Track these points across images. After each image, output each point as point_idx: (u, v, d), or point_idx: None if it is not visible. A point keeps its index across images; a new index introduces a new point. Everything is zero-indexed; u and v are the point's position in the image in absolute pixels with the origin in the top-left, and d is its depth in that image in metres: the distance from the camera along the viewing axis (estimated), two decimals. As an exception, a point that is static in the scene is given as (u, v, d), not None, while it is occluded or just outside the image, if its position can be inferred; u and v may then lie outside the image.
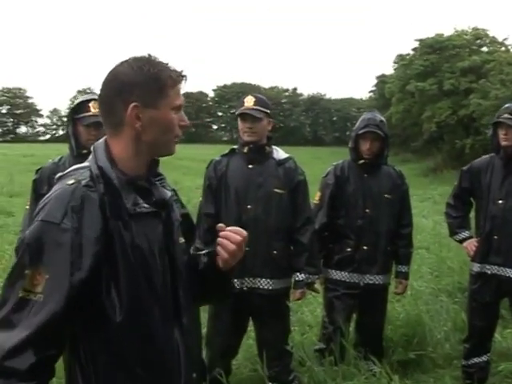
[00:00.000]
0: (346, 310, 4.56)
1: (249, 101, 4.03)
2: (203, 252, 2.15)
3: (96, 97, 3.67)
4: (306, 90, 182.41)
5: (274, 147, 4.18)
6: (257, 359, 4.39)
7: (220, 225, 2.04)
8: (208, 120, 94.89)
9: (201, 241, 4.08)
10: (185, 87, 1.90)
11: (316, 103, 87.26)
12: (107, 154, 1.84)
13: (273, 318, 4.06)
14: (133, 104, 1.77)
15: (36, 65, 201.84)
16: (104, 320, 1.72)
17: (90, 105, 3.74)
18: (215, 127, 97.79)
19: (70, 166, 3.74)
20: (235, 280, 3.99)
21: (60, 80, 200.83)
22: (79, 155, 3.69)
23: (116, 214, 1.75)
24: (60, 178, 1.85)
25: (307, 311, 5.95)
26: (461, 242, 4.73)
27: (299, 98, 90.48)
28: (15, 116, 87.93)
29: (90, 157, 1.87)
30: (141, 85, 1.78)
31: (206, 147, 44.91)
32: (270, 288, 4.01)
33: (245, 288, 4.00)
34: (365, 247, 4.51)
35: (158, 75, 1.80)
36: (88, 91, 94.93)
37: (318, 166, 14.54)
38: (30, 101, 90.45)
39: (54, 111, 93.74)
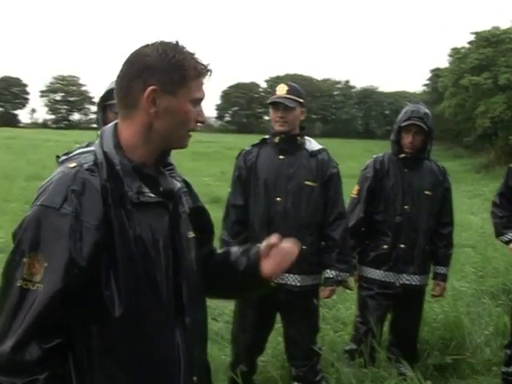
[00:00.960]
0: (379, 310, 4.37)
1: (281, 89, 3.88)
2: (241, 250, 2.08)
3: None
4: (359, 82, 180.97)
5: (307, 138, 4.01)
6: (285, 357, 4.25)
7: (274, 239, 1.97)
8: (260, 111, 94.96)
9: (227, 232, 3.97)
10: (207, 82, 1.81)
11: (368, 96, 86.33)
12: (114, 138, 1.75)
13: (300, 316, 3.91)
14: (152, 87, 1.69)
15: (90, 53, 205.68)
16: (102, 313, 1.63)
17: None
18: (267, 118, 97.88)
19: None
20: None
21: (113, 68, 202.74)
22: None
23: (118, 202, 1.66)
24: (64, 161, 1.76)
25: (343, 308, 5.79)
26: (507, 243, 4.50)
27: (352, 91, 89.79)
28: (69, 103, 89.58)
29: (97, 141, 1.78)
30: (163, 70, 1.70)
31: (257, 137, 44.92)
32: (298, 284, 3.85)
33: (272, 283, 3.85)
34: (402, 245, 4.31)
35: (182, 63, 1.71)
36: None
37: (368, 160, 14.34)
38: (83, 88, 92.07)
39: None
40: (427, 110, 4.33)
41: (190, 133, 1.82)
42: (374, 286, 4.38)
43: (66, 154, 1.84)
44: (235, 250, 2.09)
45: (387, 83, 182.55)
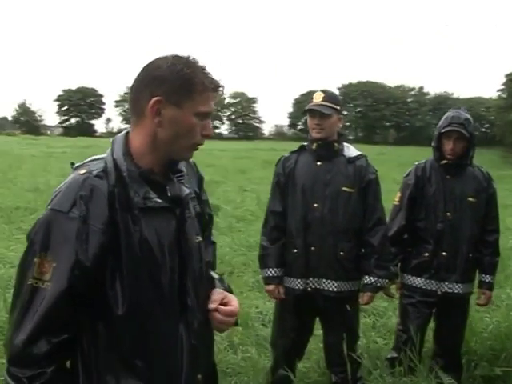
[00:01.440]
0: (420, 318, 4.30)
1: (317, 96, 3.90)
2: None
3: None
4: (433, 88, 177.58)
5: (345, 144, 4.02)
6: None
7: (210, 306, 1.99)
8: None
9: (266, 238, 4.01)
10: (219, 97, 1.89)
11: (443, 102, 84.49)
12: (125, 146, 1.84)
13: (338, 322, 3.90)
14: (157, 98, 1.78)
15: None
16: (107, 312, 1.73)
17: None
18: (341, 126, 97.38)
19: None
20: (299, 280, 3.88)
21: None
22: None
23: (125, 206, 1.75)
24: (77, 167, 1.86)
25: (394, 316, 5.72)
26: None
27: (425, 97, 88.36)
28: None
29: (108, 149, 1.87)
30: (170, 81, 1.79)
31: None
32: (335, 290, 3.86)
33: (309, 289, 3.89)
34: (444, 253, 4.22)
35: (189, 76, 1.79)
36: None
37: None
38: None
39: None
40: (468, 116, 4.24)
41: (194, 146, 1.89)
42: (415, 294, 4.31)
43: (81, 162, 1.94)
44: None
45: (462, 89, 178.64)
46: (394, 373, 4.08)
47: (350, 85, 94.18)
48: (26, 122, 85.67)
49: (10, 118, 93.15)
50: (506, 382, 4.56)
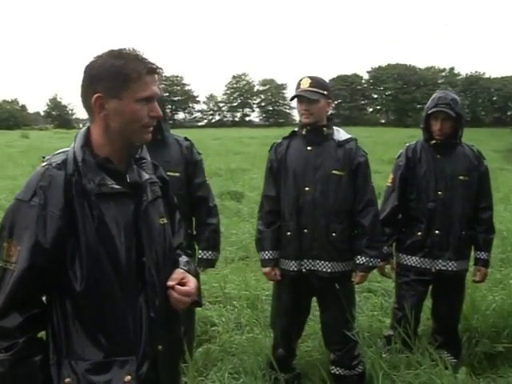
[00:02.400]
0: (415, 296, 4.38)
1: (304, 82, 3.97)
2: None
3: None
4: (465, 69, 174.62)
5: (335, 128, 4.10)
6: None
7: (168, 284, 2.12)
8: (363, 102, 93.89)
9: (262, 222, 4.14)
10: (159, 79, 2.03)
11: (474, 83, 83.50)
12: (84, 139, 2.03)
13: (334, 302, 3.99)
14: (96, 95, 1.94)
15: (192, 52, 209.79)
16: (69, 288, 1.92)
17: None
18: (370, 109, 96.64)
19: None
20: (293, 261, 4.00)
21: (215, 66, 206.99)
22: None
23: (80, 193, 1.93)
24: (44, 160, 2.04)
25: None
26: None
27: (456, 78, 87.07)
28: (173, 103, 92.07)
29: (72, 143, 2.06)
30: (105, 77, 1.94)
31: (360, 130, 44.46)
32: (329, 271, 3.96)
33: (303, 270, 3.99)
34: (437, 231, 4.30)
35: (121, 68, 1.94)
36: (243, 76, 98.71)
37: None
38: (187, 88, 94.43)
39: (211, 97, 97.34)
40: (455, 96, 4.29)
41: (146, 128, 2.04)
42: (410, 272, 4.39)
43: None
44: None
45: (494, 68, 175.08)
46: (391, 350, 4.18)
47: (380, 68, 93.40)
48: (58, 116, 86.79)
49: (42, 113, 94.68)
50: (508, 359, 4.61)
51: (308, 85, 3.95)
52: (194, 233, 4.31)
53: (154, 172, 2.20)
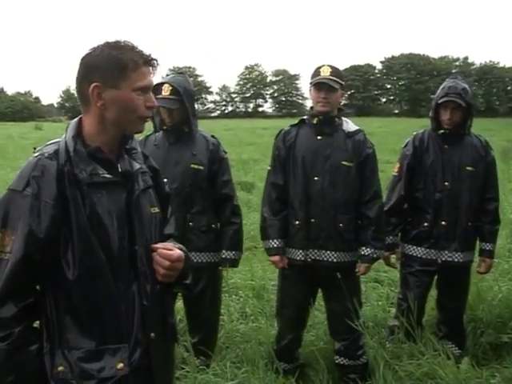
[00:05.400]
0: (420, 287, 4.37)
1: (325, 70, 3.96)
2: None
3: (168, 81, 4.00)
4: (478, 58, 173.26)
5: (344, 119, 4.09)
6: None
7: (153, 246, 2.10)
8: (376, 93, 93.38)
9: (269, 210, 4.13)
10: (154, 70, 2.02)
11: (489, 72, 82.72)
12: (76, 130, 2.04)
13: (339, 292, 3.97)
14: (94, 84, 1.95)
15: (204, 43, 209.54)
16: (61, 276, 1.93)
17: (162, 88, 4.04)
18: (383, 100, 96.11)
19: (156, 141, 4.08)
20: (300, 251, 3.99)
21: (228, 57, 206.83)
22: (161, 131, 4.19)
23: (73, 183, 1.94)
24: (37, 150, 2.05)
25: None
26: None
27: (471, 68, 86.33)
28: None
29: (64, 133, 2.07)
30: (102, 67, 1.95)
31: (373, 120, 44.31)
32: (335, 261, 3.96)
33: (309, 260, 3.99)
34: (443, 222, 4.27)
35: (119, 58, 1.94)
36: (255, 67, 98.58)
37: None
38: (199, 79, 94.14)
39: (223, 88, 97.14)
40: (466, 85, 4.25)
41: (142, 119, 2.05)
42: (415, 263, 4.37)
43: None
44: None
45: (509, 57, 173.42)
46: (394, 340, 4.17)
47: (393, 58, 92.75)
48: (71, 108, 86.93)
49: (55, 105, 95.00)
50: (514, 349, 4.60)
51: (329, 73, 3.95)
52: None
53: (144, 162, 2.20)
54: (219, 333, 4.50)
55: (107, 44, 1.97)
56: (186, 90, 4.06)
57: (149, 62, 1.99)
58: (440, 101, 4.21)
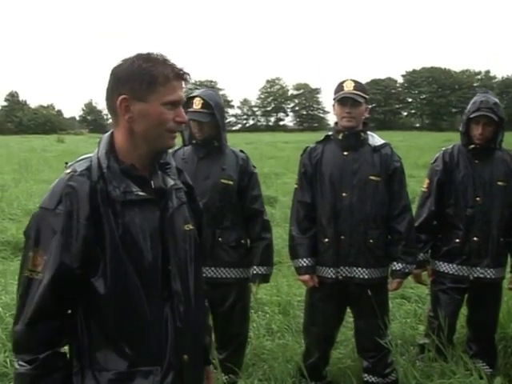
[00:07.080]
0: (451, 304, 4.29)
1: (348, 85, 3.94)
2: None
3: (199, 94, 3.95)
4: (500, 71, 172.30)
5: (369, 133, 4.05)
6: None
7: None
8: (397, 106, 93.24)
9: (297, 228, 4.09)
10: (186, 85, 1.98)
11: (510, 85, 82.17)
12: (109, 145, 1.97)
13: (368, 308, 3.92)
14: (122, 96, 1.90)
15: (226, 57, 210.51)
16: (93, 297, 1.87)
17: (194, 101, 3.99)
18: (405, 113, 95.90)
19: (184, 155, 4.02)
20: (331, 269, 3.94)
21: (249, 70, 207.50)
22: (190, 145, 4.13)
23: (106, 201, 1.88)
24: (68, 167, 1.99)
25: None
26: None
27: (492, 81, 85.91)
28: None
29: (96, 148, 2.01)
30: (132, 79, 1.90)
31: (394, 134, 44.08)
32: (366, 277, 3.91)
33: (340, 277, 3.94)
34: (475, 238, 4.20)
35: (149, 71, 1.89)
36: (276, 80, 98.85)
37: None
38: (221, 92, 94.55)
39: (244, 101, 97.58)
40: (497, 100, 4.19)
41: (171, 134, 1.98)
42: (446, 280, 4.30)
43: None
44: None
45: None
46: (424, 358, 4.10)
47: (414, 71, 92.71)
48: (93, 121, 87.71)
49: (77, 118, 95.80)
50: (547, 368, 4.49)
51: (352, 87, 3.92)
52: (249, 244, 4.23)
53: (178, 177, 2.15)
54: (246, 349, 4.45)
55: (139, 56, 1.93)
56: (217, 104, 4.02)
57: (180, 76, 1.94)
58: (472, 115, 4.15)
